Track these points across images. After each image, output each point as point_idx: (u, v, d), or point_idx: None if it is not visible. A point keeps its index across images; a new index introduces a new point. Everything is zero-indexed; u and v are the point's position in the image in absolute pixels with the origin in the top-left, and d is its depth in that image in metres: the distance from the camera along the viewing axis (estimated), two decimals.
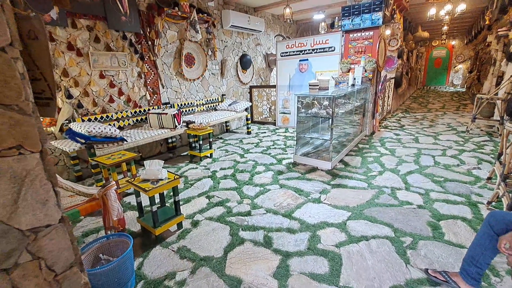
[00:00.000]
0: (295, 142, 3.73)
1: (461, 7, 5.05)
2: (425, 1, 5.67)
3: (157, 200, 2.53)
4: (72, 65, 3.33)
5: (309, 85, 3.49)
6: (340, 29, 5.06)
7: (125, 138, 3.31)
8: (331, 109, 3.25)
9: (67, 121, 3.30)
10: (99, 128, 3.02)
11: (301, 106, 3.64)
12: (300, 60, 5.53)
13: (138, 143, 3.45)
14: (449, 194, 2.67)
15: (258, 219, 2.36)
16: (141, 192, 2.09)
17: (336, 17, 5.88)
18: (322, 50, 5.20)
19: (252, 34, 6.34)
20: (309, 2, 5.83)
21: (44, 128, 3.23)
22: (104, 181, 3.01)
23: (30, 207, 1.03)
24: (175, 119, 3.84)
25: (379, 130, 5.28)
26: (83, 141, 2.98)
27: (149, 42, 4.11)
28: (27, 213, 1.02)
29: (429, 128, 5.38)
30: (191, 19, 4.45)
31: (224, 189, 2.99)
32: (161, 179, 2.10)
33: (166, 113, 3.81)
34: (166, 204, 2.52)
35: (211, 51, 5.18)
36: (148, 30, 4.08)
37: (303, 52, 5.45)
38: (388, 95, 6.51)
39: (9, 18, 0.91)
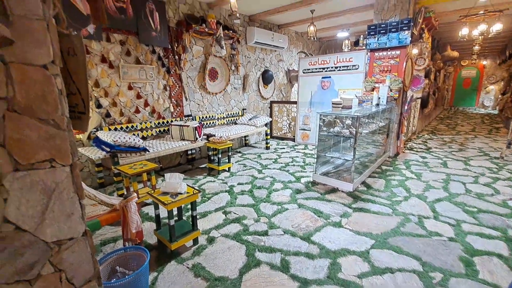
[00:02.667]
0: (315, 160, 3.64)
1: (497, 26, 4.84)
2: (457, 20, 5.51)
3: (174, 212, 2.52)
4: (104, 76, 3.50)
5: (332, 103, 3.43)
6: (364, 47, 5.00)
7: (147, 148, 3.38)
8: (354, 129, 3.16)
9: (95, 129, 3.44)
10: (124, 137, 3.11)
11: (322, 124, 3.58)
12: (322, 77, 5.50)
13: (160, 154, 3.51)
14: (483, 226, 2.46)
15: (275, 240, 2.28)
16: (160, 205, 2.09)
17: (361, 36, 5.85)
18: (346, 68, 5.15)
19: (275, 50, 6.43)
20: (334, 20, 5.85)
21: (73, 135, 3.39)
22: (125, 190, 3.07)
23: (56, 219, 1.04)
24: (196, 131, 3.90)
25: (403, 152, 5.06)
26: (108, 149, 3.08)
27: (176, 57, 4.27)
28: (53, 225, 1.03)
29: (458, 152, 5.09)
30: (217, 35, 4.59)
31: (241, 205, 2.94)
32: (180, 193, 2.10)
33: (188, 126, 3.88)
34: (183, 218, 2.51)
35: (235, 66, 5.29)
36: (176, 45, 4.24)
37: (325, 69, 5.43)
38: (414, 115, 6.28)
39: (53, 36, 0.96)
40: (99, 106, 3.50)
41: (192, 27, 4.23)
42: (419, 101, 6.60)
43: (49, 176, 1.00)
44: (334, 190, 3.30)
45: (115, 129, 3.65)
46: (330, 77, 5.39)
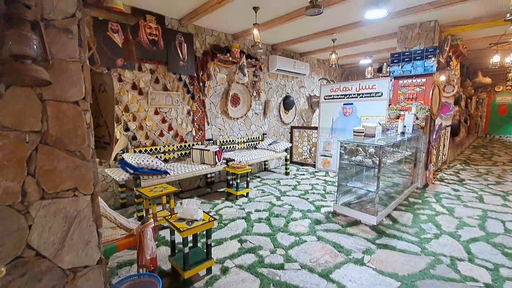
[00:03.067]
0: (336, 189, 3.52)
1: None
2: (487, 47, 5.33)
3: (190, 238, 2.51)
4: (133, 102, 3.74)
5: (354, 131, 3.36)
6: (388, 74, 4.95)
7: (168, 171, 3.47)
8: (378, 158, 3.04)
9: (121, 151, 3.62)
10: (147, 160, 3.24)
11: (344, 152, 3.49)
12: (344, 104, 5.46)
13: (180, 177, 3.58)
14: None
15: (291, 275, 2.17)
16: (175, 231, 2.10)
17: (384, 63, 5.81)
18: (369, 95, 5.09)
19: (297, 77, 6.55)
20: (356, 48, 5.90)
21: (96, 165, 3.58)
22: (144, 212, 3.13)
23: (74, 246, 1.07)
24: (216, 156, 3.96)
25: (433, 183, 4.75)
26: (132, 171, 3.20)
27: (201, 84, 4.48)
28: (71, 252, 1.07)
29: (496, 185, 4.68)
30: (240, 63, 4.79)
31: (257, 234, 2.87)
32: (196, 220, 2.10)
33: (209, 150, 3.96)
34: (198, 244, 2.49)
35: (256, 92, 5.43)
36: (201, 72, 4.48)
37: (348, 96, 5.40)
38: (444, 144, 5.96)
39: (86, 76, 1.05)
40: (127, 129, 3.71)
41: (217, 56, 4.46)
42: (449, 129, 6.29)
43: (72, 204, 1.05)
44: (356, 223, 3.13)
45: (140, 151, 3.81)
46: (352, 103, 5.33)
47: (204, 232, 2.73)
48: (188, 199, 2.19)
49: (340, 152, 3.44)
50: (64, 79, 1.00)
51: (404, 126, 4.06)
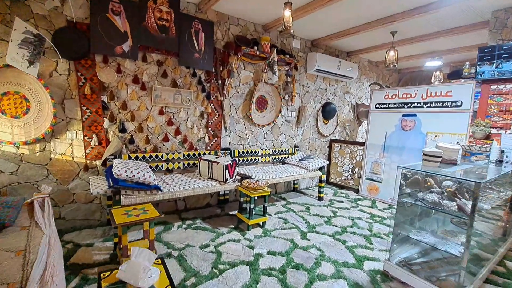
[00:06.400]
0: (387, 230, 2.37)
1: None
2: None
3: None
4: (133, 98, 3.10)
5: (424, 154, 2.20)
6: (474, 77, 3.61)
7: (160, 187, 2.71)
8: (469, 203, 1.85)
9: (112, 157, 2.97)
10: (131, 172, 2.50)
11: (405, 183, 2.34)
12: (403, 115, 4.19)
13: (176, 195, 2.79)
14: None
15: None
16: None
17: (467, 62, 4.39)
18: (441, 104, 3.77)
19: (341, 81, 5.43)
20: (422, 45, 4.64)
21: (90, 161, 2.97)
22: (118, 239, 2.39)
23: None
24: (227, 171, 3.10)
25: None
26: (111, 183, 2.50)
27: (219, 81, 3.71)
28: None
29: None
30: (270, 59, 3.91)
31: None
32: None
33: (218, 163, 3.13)
34: None
35: (288, 96, 4.48)
36: (221, 68, 3.71)
37: (409, 105, 4.13)
38: None
39: None
40: (123, 130, 3.07)
41: (242, 50, 3.66)
42: None
43: None
44: None
45: (137, 157, 3.14)
46: (415, 115, 4.05)
47: None
48: (139, 248, 1.34)
49: (400, 183, 2.30)
50: None
51: (502, 152, 2.72)
